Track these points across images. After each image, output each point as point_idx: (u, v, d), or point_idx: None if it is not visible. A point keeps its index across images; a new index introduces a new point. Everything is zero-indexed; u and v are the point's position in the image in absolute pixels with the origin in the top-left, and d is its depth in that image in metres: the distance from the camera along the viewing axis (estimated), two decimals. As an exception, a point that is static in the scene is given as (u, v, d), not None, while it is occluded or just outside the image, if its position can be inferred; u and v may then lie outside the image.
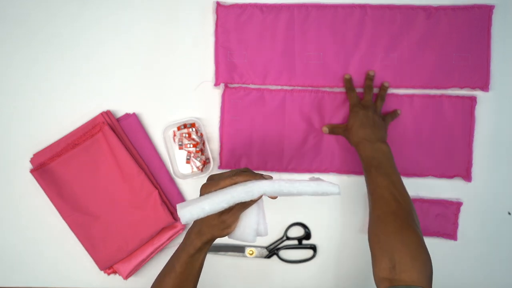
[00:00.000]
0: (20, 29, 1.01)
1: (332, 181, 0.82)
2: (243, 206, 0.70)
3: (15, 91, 1.01)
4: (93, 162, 0.98)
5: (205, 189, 0.70)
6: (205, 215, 0.67)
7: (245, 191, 0.67)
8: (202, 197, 0.69)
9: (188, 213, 0.67)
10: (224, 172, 0.72)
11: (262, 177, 0.70)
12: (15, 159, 1.00)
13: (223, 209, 0.67)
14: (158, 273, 0.78)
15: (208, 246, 0.75)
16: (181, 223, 0.71)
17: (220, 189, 0.69)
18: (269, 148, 1.00)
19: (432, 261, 1.01)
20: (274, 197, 0.70)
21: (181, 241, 0.78)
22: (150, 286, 0.78)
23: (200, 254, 0.75)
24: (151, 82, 1.01)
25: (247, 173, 0.70)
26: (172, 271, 0.75)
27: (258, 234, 0.75)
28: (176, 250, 0.77)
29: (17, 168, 1.00)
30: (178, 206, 0.69)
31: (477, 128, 1.00)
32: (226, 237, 0.74)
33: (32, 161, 0.99)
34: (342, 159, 1.00)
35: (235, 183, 0.69)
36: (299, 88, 1.01)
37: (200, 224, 0.73)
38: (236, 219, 0.72)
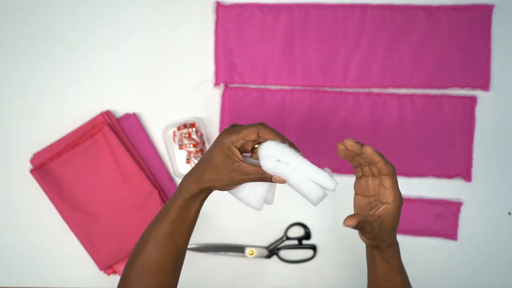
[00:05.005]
0: (20, 30, 1.01)
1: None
2: (264, 178, 0.66)
3: (15, 91, 1.01)
4: (93, 162, 0.98)
5: (226, 135, 0.65)
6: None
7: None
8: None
9: (278, 169, 0.64)
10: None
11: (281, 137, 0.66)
12: (15, 159, 1.00)
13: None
14: (151, 221, 0.73)
15: (203, 196, 0.70)
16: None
17: (241, 137, 0.65)
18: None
19: (432, 261, 1.02)
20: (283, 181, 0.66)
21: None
22: (141, 234, 0.73)
23: (195, 201, 0.69)
24: (151, 82, 1.01)
25: (270, 129, 0.65)
26: (166, 217, 0.70)
27: (265, 202, 0.71)
28: (171, 198, 0.72)
29: (17, 168, 1.00)
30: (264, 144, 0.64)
31: (477, 128, 1.00)
32: (228, 193, 0.70)
33: (32, 161, 0.99)
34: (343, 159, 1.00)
35: (258, 132, 0.65)
36: (299, 88, 1.01)
37: (202, 171, 0.68)
38: (246, 181, 0.68)
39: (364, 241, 0.67)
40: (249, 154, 0.69)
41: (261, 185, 0.70)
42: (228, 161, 0.66)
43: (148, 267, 0.69)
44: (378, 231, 0.64)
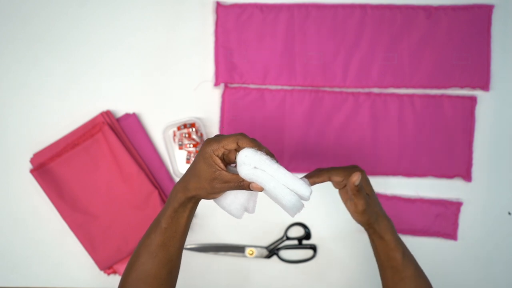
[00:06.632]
0: (20, 29, 1.01)
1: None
2: (242, 186, 0.68)
3: (15, 91, 1.01)
4: (93, 162, 0.98)
5: (208, 144, 0.67)
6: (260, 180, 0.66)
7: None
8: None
9: (254, 175, 0.65)
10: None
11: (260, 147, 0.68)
12: (15, 159, 1.00)
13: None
14: (146, 231, 0.75)
15: (192, 205, 0.72)
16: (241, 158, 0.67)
17: (222, 146, 0.66)
18: (269, 148, 1.00)
19: (432, 261, 1.02)
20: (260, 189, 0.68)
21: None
22: (136, 246, 0.75)
23: (185, 210, 0.71)
24: (151, 82, 1.01)
25: (249, 139, 0.68)
26: (158, 227, 0.72)
27: (246, 211, 0.73)
28: (163, 208, 0.74)
29: (17, 168, 1.00)
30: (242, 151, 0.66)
31: (477, 128, 1.00)
32: (213, 201, 0.72)
33: (32, 161, 0.99)
34: (343, 159, 1.00)
35: (237, 142, 0.67)
36: (299, 88, 1.01)
37: (187, 180, 0.70)
38: (226, 190, 0.69)
39: (360, 220, 0.77)
40: (234, 165, 0.70)
41: (241, 193, 0.71)
42: (210, 169, 0.67)
43: (143, 277, 0.71)
44: (369, 199, 0.76)
